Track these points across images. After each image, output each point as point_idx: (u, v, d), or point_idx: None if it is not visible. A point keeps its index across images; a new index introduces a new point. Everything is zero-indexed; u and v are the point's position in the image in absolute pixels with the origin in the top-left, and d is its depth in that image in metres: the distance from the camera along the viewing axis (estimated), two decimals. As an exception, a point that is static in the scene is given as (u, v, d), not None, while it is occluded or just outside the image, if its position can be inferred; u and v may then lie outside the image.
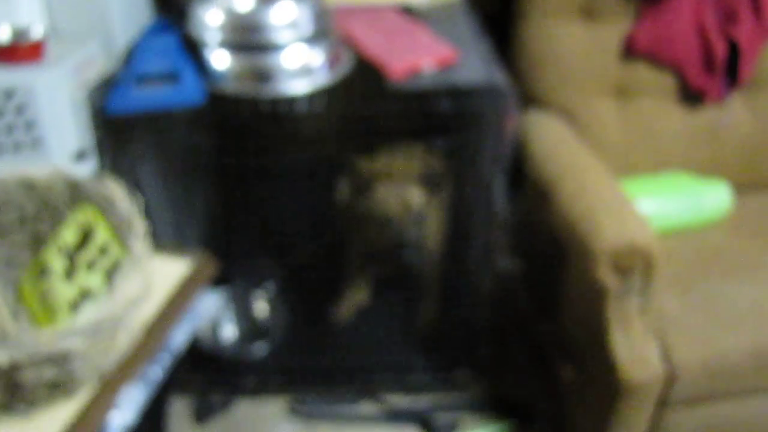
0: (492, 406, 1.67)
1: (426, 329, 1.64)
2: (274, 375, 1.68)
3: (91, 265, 1.04)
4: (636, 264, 1.20)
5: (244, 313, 1.75)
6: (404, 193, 1.53)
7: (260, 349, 1.68)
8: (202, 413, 1.65)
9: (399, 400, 1.69)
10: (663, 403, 1.30)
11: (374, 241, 1.64)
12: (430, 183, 1.59)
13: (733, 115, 1.71)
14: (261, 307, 1.79)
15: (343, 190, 1.63)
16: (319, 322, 1.69)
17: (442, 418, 1.64)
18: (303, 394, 1.69)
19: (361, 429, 1.64)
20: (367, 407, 1.69)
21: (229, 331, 1.77)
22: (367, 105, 1.23)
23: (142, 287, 0.96)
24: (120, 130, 1.27)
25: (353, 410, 1.67)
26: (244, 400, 1.70)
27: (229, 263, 1.62)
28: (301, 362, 1.67)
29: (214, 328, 1.68)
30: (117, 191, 1.05)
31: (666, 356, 1.27)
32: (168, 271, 1.14)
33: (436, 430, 1.62)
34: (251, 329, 1.73)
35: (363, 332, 1.66)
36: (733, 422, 1.37)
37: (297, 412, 1.65)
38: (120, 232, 1.04)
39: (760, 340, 1.28)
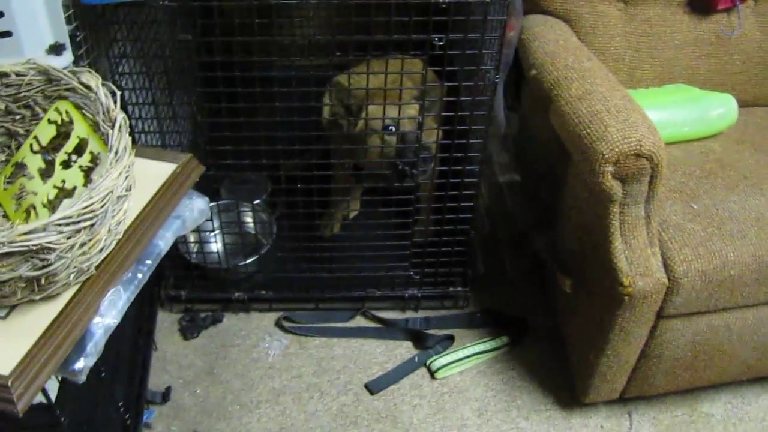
0: (487, 322, 1.65)
1: (421, 244, 1.60)
2: (263, 291, 1.65)
3: (68, 163, 0.98)
4: (642, 169, 1.16)
5: (233, 229, 1.71)
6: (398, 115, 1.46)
7: (249, 264, 1.64)
8: (191, 329, 1.62)
9: (392, 316, 1.67)
10: (662, 314, 1.28)
11: (365, 158, 1.58)
12: (424, 105, 1.52)
13: (743, 26, 1.65)
14: (250, 222, 1.74)
15: (329, 106, 1.55)
16: (309, 237, 1.65)
17: (436, 334, 1.62)
18: (293, 310, 1.66)
19: (353, 344, 1.62)
20: (359, 323, 1.67)
21: (218, 247, 1.72)
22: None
23: (123, 182, 0.90)
24: (98, 23, 1.19)
25: (345, 326, 1.65)
26: (232, 315, 1.67)
27: (217, 175, 1.56)
28: (290, 278, 1.63)
29: (203, 243, 1.63)
30: (94, 82, 0.98)
31: (667, 266, 1.24)
32: (152, 173, 1.08)
33: (429, 346, 1.60)
34: (240, 244, 1.69)
35: (356, 247, 1.62)
36: (730, 334, 1.35)
37: (285, 328, 1.63)
38: (98, 125, 0.97)
39: (761, 253, 1.26)
